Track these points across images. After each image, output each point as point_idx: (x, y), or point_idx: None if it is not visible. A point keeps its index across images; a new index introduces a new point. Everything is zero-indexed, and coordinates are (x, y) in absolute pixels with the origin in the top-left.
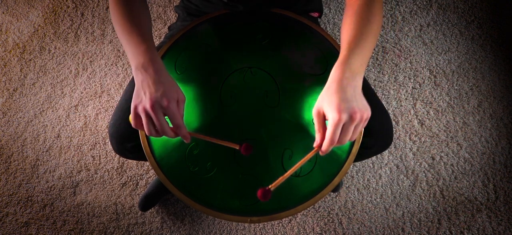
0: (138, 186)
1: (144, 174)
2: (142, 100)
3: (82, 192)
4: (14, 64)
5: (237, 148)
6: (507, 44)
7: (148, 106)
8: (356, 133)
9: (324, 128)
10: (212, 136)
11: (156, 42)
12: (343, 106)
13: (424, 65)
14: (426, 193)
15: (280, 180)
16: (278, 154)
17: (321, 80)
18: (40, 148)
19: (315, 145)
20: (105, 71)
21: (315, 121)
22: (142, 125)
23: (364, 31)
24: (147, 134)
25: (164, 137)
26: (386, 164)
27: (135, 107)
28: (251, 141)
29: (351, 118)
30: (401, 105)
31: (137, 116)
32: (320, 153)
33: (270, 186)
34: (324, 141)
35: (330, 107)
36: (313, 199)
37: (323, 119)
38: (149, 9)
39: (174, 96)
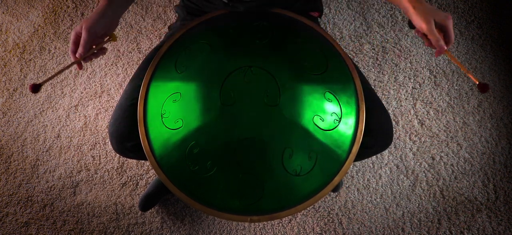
0: (138, 186)
1: (144, 174)
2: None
3: (82, 192)
4: (14, 64)
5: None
6: (507, 44)
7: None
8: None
9: (435, 34)
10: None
11: (156, 42)
12: (444, 12)
13: (424, 65)
14: (426, 193)
15: (466, 70)
16: (278, 153)
17: (321, 79)
18: (40, 148)
19: (445, 49)
20: (105, 71)
21: (434, 32)
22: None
23: None
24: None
25: (164, 136)
26: (386, 164)
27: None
28: (251, 140)
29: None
30: (401, 105)
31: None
32: (445, 52)
33: (475, 80)
34: (450, 40)
35: (440, 16)
36: (313, 198)
37: (434, 27)
38: (149, 9)
39: (78, 29)
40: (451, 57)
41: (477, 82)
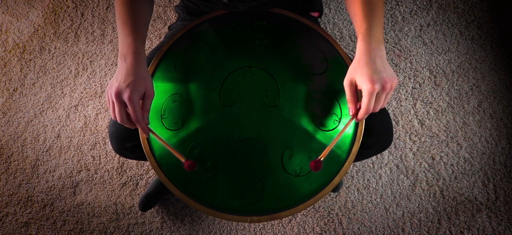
0: (138, 186)
1: (144, 174)
2: (112, 87)
3: (82, 192)
4: (14, 64)
5: (183, 161)
6: (507, 44)
7: (113, 94)
8: (386, 99)
9: (355, 97)
10: (170, 145)
11: (156, 42)
12: (376, 78)
13: (424, 65)
14: (426, 193)
15: (328, 149)
16: (278, 153)
17: (321, 79)
18: (40, 148)
19: (350, 113)
20: (105, 71)
21: (347, 91)
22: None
23: (376, 2)
24: (113, 118)
25: (164, 137)
26: (386, 164)
27: (107, 93)
28: (251, 140)
29: (383, 88)
30: (401, 105)
31: (109, 101)
32: (355, 119)
33: (320, 157)
34: (360, 110)
35: (363, 79)
36: (313, 199)
37: (355, 89)
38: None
39: (140, 89)
40: (344, 127)
41: (319, 158)
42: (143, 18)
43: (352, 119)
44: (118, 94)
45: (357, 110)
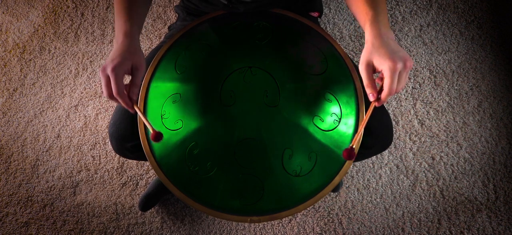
0: (138, 186)
1: (144, 174)
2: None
3: (82, 192)
4: (14, 64)
5: (151, 131)
6: (507, 44)
7: (100, 70)
8: (405, 80)
9: (373, 81)
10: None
11: (156, 42)
12: (396, 56)
13: (424, 65)
14: (426, 193)
15: (357, 136)
16: (278, 153)
17: (321, 79)
18: (40, 148)
19: (372, 98)
20: None
21: (365, 75)
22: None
23: None
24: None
25: (164, 137)
26: (386, 164)
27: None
28: (251, 140)
29: (405, 65)
30: (401, 105)
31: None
32: (376, 104)
33: (352, 144)
34: (383, 91)
35: (382, 59)
36: (313, 198)
37: (372, 72)
38: (149, 9)
39: (125, 63)
40: (367, 112)
41: (350, 146)
42: (139, 9)
43: (373, 103)
44: (104, 70)
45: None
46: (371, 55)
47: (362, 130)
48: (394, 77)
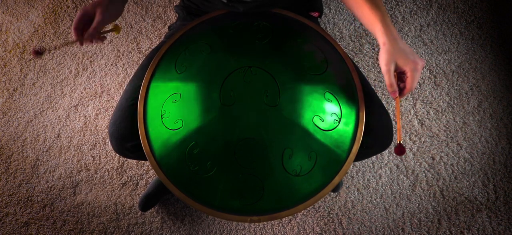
0: (138, 186)
1: (144, 174)
2: None
3: (82, 192)
4: (14, 64)
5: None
6: (507, 44)
7: None
8: (419, 77)
9: (394, 81)
10: None
11: (156, 42)
12: (415, 57)
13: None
14: (426, 193)
15: (399, 130)
16: (278, 153)
17: (321, 79)
18: (40, 148)
19: (395, 96)
20: (105, 71)
21: (389, 76)
22: None
23: None
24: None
25: (164, 136)
26: (386, 164)
27: None
28: (251, 140)
29: (422, 65)
30: (401, 105)
31: None
32: (399, 97)
33: (398, 140)
34: (406, 88)
35: (406, 60)
36: (313, 198)
37: (394, 72)
38: (149, 9)
39: (91, 9)
40: (397, 108)
41: (398, 142)
42: None
43: (397, 99)
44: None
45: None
46: (394, 57)
47: (400, 124)
48: (416, 75)
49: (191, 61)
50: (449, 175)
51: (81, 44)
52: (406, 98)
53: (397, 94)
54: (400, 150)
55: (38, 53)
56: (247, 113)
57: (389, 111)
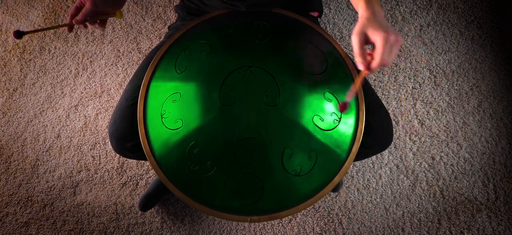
0: (138, 186)
1: (144, 174)
2: None
3: (82, 192)
4: (14, 64)
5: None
6: (507, 44)
7: None
8: (395, 54)
9: (364, 50)
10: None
11: (156, 42)
12: (389, 30)
13: (424, 65)
14: (426, 193)
15: (353, 90)
16: (278, 153)
17: (321, 79)
18: (40, 148)
19: (361, 67)
20: (105, 71)
21: (357, 43)
22: None
23: None
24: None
25: (164, 136)
26: (386, 164)
27: None
28: (251, 140)
29: (396, 39)
30: (401, 105)
31: None
32: (367, 72)
33: (347, 99)
34: (374, 61)
35: (376, 30)
36: (313, 198)
37: (363, 42)
38: (149, 9)
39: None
40: (359, 77)
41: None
42: None
43: (363, 73)
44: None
45: (367, 63)
46: (365, 27)
47: (356, 87)
48: (386, 48)
49: (191, 61)
50: (449, 175)
51: (69, 30)
52: (406, 99)
53: (364, 66)
54: (342, 107)
55: (19, 33)
56: (247, 113)
57: (389, 111)
